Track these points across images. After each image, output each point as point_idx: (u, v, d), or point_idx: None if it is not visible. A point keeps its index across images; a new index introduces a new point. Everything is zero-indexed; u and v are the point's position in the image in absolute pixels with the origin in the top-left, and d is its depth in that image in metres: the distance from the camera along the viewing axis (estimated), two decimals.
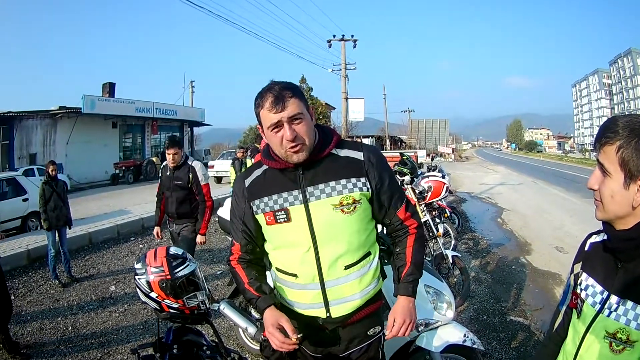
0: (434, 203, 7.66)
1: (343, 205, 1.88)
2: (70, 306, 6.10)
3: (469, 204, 15.64)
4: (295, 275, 1.96)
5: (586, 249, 1.53)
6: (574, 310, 1.48)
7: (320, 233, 1.89)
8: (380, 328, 2.10)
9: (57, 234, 7.18)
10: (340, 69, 32.11)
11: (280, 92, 1.80)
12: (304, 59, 49.01)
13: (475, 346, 3.02)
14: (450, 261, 5.75)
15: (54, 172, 7.36)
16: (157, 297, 2.26)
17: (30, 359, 4.71)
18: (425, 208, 6.62)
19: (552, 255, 8.34)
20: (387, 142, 52.85)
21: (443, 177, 8.43)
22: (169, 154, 5.29)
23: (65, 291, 6.71)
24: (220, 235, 9.42)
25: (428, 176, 8.42)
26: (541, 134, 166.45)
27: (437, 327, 3.07)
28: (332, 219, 1.89)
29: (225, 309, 3.90)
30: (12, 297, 6.42)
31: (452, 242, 7.38)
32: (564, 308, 1.60)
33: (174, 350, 2.26)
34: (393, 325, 1.93)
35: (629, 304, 1.27)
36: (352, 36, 31.82)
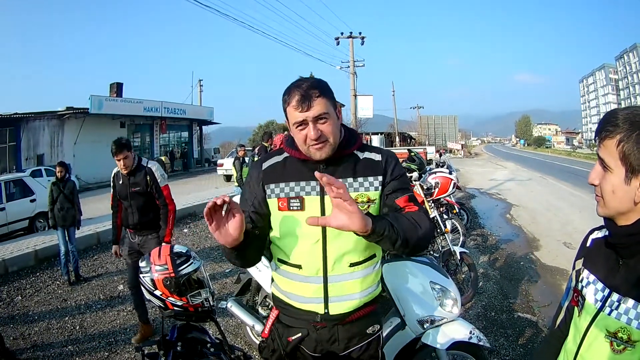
0: (442, 199, 7.63)
1: (357, 203, 1.79)
2: (77, 306, 6.14)
3: (478, 200, 15.60)
4: (299, 267, 1.94)
5: (588, 244, 1.50)
6: (575, 307, 1.44)
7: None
8: (379, 327, 2.09)
9: (65, 233, 7.30)
10: (349, 66, 32.06)
11: (307, 91, 1.80)
12: (312, 56, 49.05)
13: (481, 343, 3.01)
14: (458, 257, 5.72)
15: (60, 174, 7.54)
16: (161, 294, 2.27)
17: None
18: (433, 204, 6.60)
19: (560, 251, 8.30)
20: (397, 139, 52.74)
21: (450, 173, 8.40)
22: (118, 160, 4.76)
23: (73, 291, 6.75)
24: None
25: (435, 172, 8.37)
26: (550, 129, 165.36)
27: (443, 324, 3.05)
28: None
29: (232, 306, 3.91)
30: (20, 298, 6.48)
31: (461, 239, 7.34)
32: (565, 305, 1.56)
33: (178, 348, 2.26)
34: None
35: (630, 302, 1.23)
36: (360, 33, 31.69)
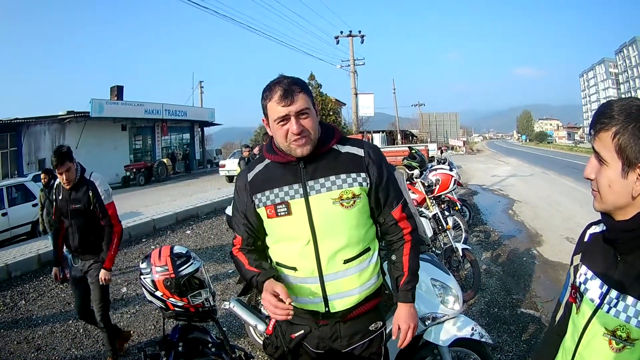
0: (443, 196, 7.63)
1: (342, 200, 1.89)
2: None
3: (480, 196, 15.59)
4: (294, 269, 1.97)
5: (586, 239, 1.46)
6: (574, 304, 1.41)
7: (319, 226, 1.90)
8: (381, 323, 2.11)
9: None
10: (349, 65, 32.10)
11: (289, 86, 1.83)
12: (312, 55, 48.88)
13: (483, 340, 3.01)
14: (461, 254, 5.72)
15: (45, 180, 7.66)
16: (162, 295, 2.29)
17: None
18: (434, 201, 6.60)
19: (562, 245, 8.28)
20: (399, 137, 52.72)
21: (451, 169, 8.39)
22: (59, 174, 4.06)
23: None
24: (231, 233, 9.47)
25: (436, 169, 8.37)
26: (551, 124, 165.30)
27: (445, 321, 3.05)
28: (332, 212, 1.90)
29: (235, 306, 3.92)
30: (23, 302, 6.49)
31: (463, 235, 7.33)
32: (564, 301, 1.52)
33: (179, 348, 2.28)
34: (399, 332, 2.03)
35: (629, 299, 1.20)
36: (360, 32, 31.79)
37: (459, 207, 8.37)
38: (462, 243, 6.37)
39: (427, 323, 3.01)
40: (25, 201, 12.04)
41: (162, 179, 26.89)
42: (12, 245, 10.41)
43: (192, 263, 2.37)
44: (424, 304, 3.04)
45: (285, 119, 1.82)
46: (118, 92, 29.30)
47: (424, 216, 5.88)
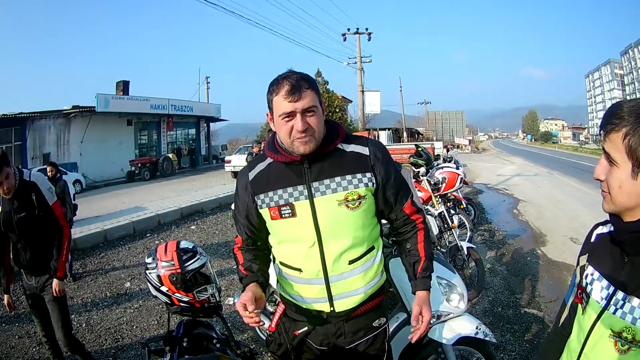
0: (449, 194, 7.62)
1: (348, 201, 1.87)
2: (84, 303, 6.15)
3: (485, 195, 15.57)
4: (299, 270, 1.96)
5: (592, 240, 1.46)
6: (579, 305, 1.41)
7: (325, 228, 1.88)
8: (385, 320, 2.10)
9: None
10: (356, 62, 32.03)
11: (297, 81, 1.79)
12: (319, 52, 48.84)
13: (487, 338, 2.99)
14: (466, 253, 5.71)
15: (51, 173, 7.50)
16: (167, 290, 2.29)
17: None
18: (440, 199, 6.58)
19: (566, 246, 8.27)
20: (404, 135, 52.68)
21: (457, 168, 8.37)
22: None
23: (80, 289, 6.76)
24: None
25: (442, 167, 8.35)
26: (556, 124, 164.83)
27: (449, 319, 3.05)
28: (337, 214, 1.88)
29: None
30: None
31: (468, 234, 7.31)
32: (570, 302, 1.53)
33: (184, 344, 2.28)
34: (421, 320, 1.95)
35: (636, 301, 1.19)
36: (367, 29, 31.61)
37: (464, 206, 8.35)
38: (467, 242, 6.35)
39: (431, 321, 3.00)
40: None
41: (167, 174, 26.85)
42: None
43: (198, 258, 2.36)
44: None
45: (290, 115, 1.79)
46: (124, 87, 29.28)
47: (429, 214, 5.88)
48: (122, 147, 28.81)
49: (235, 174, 21.83)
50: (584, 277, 1.41)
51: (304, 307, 2.01)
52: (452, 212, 7.23)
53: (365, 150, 1.94)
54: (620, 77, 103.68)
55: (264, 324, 1.99)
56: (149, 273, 2.35)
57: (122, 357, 4.64)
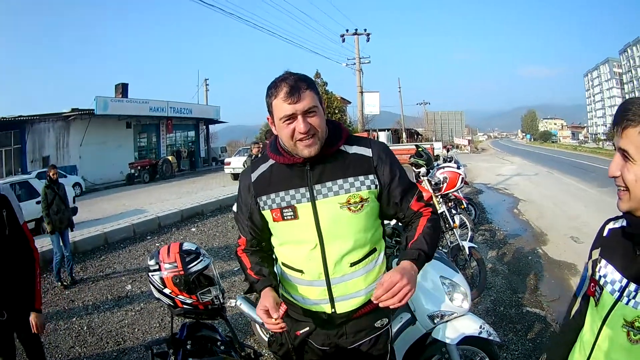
0: (450, 194, 7.62)
1: (350, 204, 1.85)
2: (85, 306, 6.14)
3: (485, 195, 15.57)
4: (301, 272, 1.95)
5: (604, 234, 1.48)
6: (592, 298, 1.44)
7: (326, 231, 1.87)
8: (387, 320, 2.08)
9: (60, 237, 7.27)
10: (355, 63, 32.05)
11: (295, 82, 1.75)
12: (318, 54, 48.65)
13: (491, 338, 2.99)
14: (467, 252, 5.71)
15: (55, 176, 7.48)
16: (170, 293, 2.28)
17: None
18: (441, 199, 6.58)
19: (567, 245, 8.27)
20: (404, 135, 52.73)
21: (458, 167, 8.36)
22: None
23: (81, 292, 6.76)
24: (237, 231, 9.45)
25: (443, 167, 8.35)
26: (555, 124, 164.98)
27: (453, 318, 3.04)
28: (339, 217, 1.86)
29: (241, 304, 3.91)
30: None
31: (469, 234, 7.31)
32: (581, 295, 1.56)
33: (188, 346, 2.26)
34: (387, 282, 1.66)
35: None
36: (365, 30, 31.65)
37: (465, 206, 8.35)
38: (469, 241, 6.34)
39: (435, 321, 3.00)
40: (29, 198, 12.05)
41: (167, 177, 26.87)
42: None
43: (201, 260, 2.34)
44: (432, 302, 3.03)
45: (291, 117, 1.75)
46: (123, 89, 29.31)
47: None
48: (121, 149, 28.75)
49: (234, 176, 21.90)
50: (596, 270, 1.44)
51: (305, 308, 2.00)
52: (453, 212, 7.22)
53: (368, 152, 1.91)
54: (619, 75, 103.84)
55: (289, 330, 2.00)
56: (152, 275, 2.33)
57: None
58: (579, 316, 1.53)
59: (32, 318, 2.98)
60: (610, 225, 1.48)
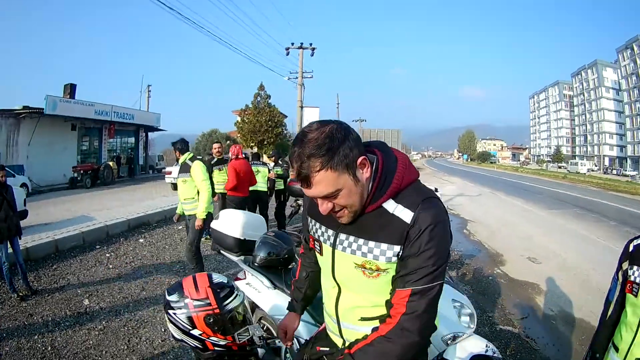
0: None
1: (365, 268, 1.68)
2: (45, 322, 5.69)
3: None
4: (325, 300, 1.99)
5: (630, 250, 2.17)
6: (630, 294, 2.09)
7: (340, 281, 1.81)
8: None
9: (9, 245, 6.61)
10: (297, 77, 32.09)
11: (303, 165, 1.50)
12: (262, 64, 48.47)
13: (495, 355, 3.25)
14: None
15: (3, 178, 6.63)
16: (201, 334, 2.05)
17: None
18: None
19: (525, 265, 8.63)
20: None
21: None
22: None
23: (38, 305, 6.25)
24: (183, 245, 9.11)
25: None
26: (495, 145, 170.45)
27: (461, 340, 3.26)
28: (353, 275, 1.73)
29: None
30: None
31: None
32: (615, 298, 2.23)
33: None
34: None
35: None
36: (311, 44, 31.70)
37: None
38: None
39: (448, 343, 3.16)
40: None
41: (107, 182, 26.16)
42: None
43: (237, 295, 2.12)
44: (445, 325, 3.19)
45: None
46: (71, 90, 28.11)
47: None
48: (66, 152, 27.67)
49: (174, 186, 20.69)
50: (631, 274, 2.11)
51: (328, 330, 2.02)
52: None
53: (408, 217, 1.59)
54: (569, 97, 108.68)
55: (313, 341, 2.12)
56: (175, 314, 2.05)
57: None
58: (615, 314, 2.21)
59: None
60: (635, 242, 2.18)
